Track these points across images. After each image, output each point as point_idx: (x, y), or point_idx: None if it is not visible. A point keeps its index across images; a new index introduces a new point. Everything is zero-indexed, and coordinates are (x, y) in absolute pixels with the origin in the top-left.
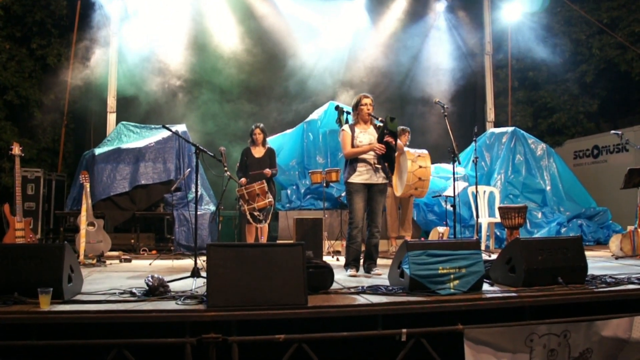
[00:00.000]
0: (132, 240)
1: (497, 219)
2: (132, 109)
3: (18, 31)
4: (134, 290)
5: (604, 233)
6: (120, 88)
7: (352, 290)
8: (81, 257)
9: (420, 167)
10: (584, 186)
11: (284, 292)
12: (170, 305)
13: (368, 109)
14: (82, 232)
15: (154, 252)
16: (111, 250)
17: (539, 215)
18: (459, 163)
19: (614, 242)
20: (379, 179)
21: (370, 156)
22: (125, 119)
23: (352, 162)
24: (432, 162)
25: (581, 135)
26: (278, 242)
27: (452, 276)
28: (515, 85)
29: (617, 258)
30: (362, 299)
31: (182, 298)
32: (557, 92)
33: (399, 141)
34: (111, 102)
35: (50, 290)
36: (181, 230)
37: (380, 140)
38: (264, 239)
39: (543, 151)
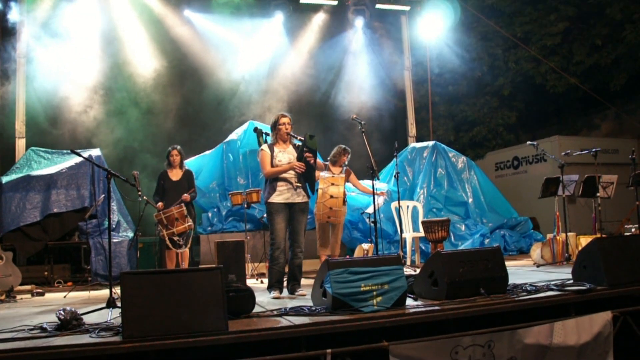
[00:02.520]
0: (46, 273)
1: (422, 233)
2: (43, 133)
3: None
4: (44, 326)
5: (526, 242)
6: (29, 112)
7: (275, 312)
8: None
9: (330, 196)
10: (506, 197)
11: (203, 318)
12: (84, 339)
13: (286, 128)
14: None
15: (69, 283)
16: (23, 284)
17: (463, 227)
18: (379, 179)
19: (535, 250)
20: (299, 197)
21: (290, 175)
22: (35, 144)
23: (272, 181)
24: (359, 178)
25: (502, 147)
26: (200, 267)
27: (374, 293)
28: (435, 100)
29: (538, 266)
30: (285, 321)
31: (97, 330)
32: (476, 106)
33: (319, 160)
34: (19, 127)
35: None
36: (98, 259)
37: (300, 158)
38: (185, 265)
39: (464, 164)
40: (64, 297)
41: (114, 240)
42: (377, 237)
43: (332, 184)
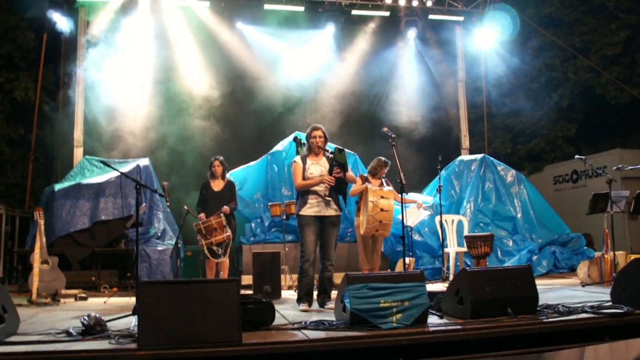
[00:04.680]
0: (93, 278)
1: (466, 248)
2: (99, 142)
3: None
4: (70, 330)
5: (578, 259)
6: (87, 122)
7: (296, 325)
8: (34, 296)
9: (381, 210)
10: (564, 212)
11: (217, 329)
12: (103, 345)
13: (317, 142)
14: (35, 270)
15: (114, 289)
16: (72, 287)
17: (510, 243)
18: (407, 193)
19: (582, 269)
20: (330, 211)
21: (321, 188)
22: (92, 152)
23: (303, 194)
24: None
25: (561, 160)
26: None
27: (394, 309)
28: (492, 111)
29: (584, 285)
30: (301, 335)
31: (117, 337)
32: (534, 118)
33: (350, 173)
34: (77, 136)
35: None
36: (142, 266)
37: (330, 172)
38: (224, 274)
39: (513, 178)
40: (104, 302)
41: (159, 249)
42: (404, 252)
43: (382, 197)
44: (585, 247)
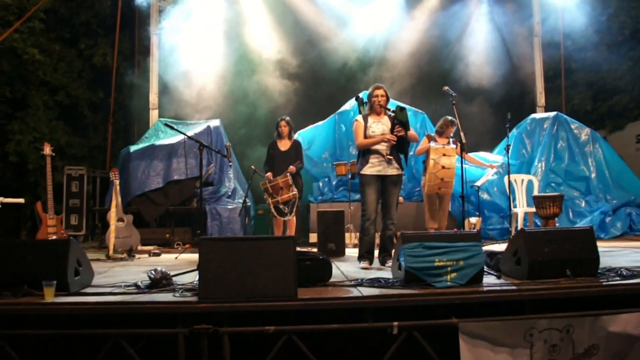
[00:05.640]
0: (168, 235)
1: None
2: (175, 104)
3: (67, 32)
4: (139, 283)
5: None
6: (162, 84)
7: (352, 282)
8: (110, 251)
9: (442, 167)
10: None
11: (274, 284)
12: (168, 297)
13: (379, 100)
14: (112, 227)
15: (187, 245)
16: (148, 244)
17: (582, 203)
18: (467, 152)
19: None
20: (392, 170)
21: (383, 147)
22: (168, 115)
23: (365, 153)
24: (471, 151)
25: None
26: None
27: (449, 269)
28: (572, 67)
29: None
30: (356, 292)
31: (181, 291)
32: (617, 73)
33: (412, 132)
34: (153, 99)
35: (53, 283)
36: (214, 224)
37: (392, 131)
38: (290, 232)
39: (588, 136)
40: (175, 258)
41: (229, 207)
42: (464, 211)
43: (444, 155)
44: None
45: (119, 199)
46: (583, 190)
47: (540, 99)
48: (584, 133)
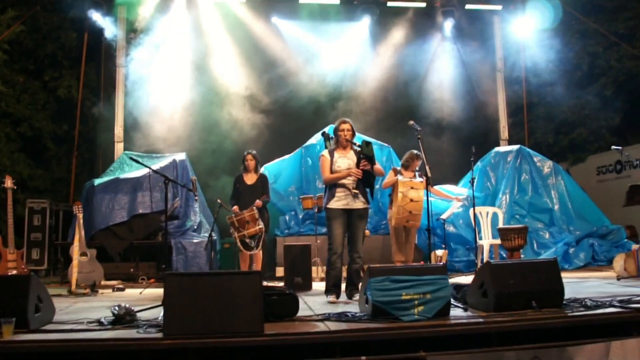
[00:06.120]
0: (132, 269)
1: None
2: (140, 138)
3: (31, 64)
4: (102, 320)
5: (618, 252)
6: (127, 117)
7: (319, 317)
8: (73, 287)
9: (411, 200)
10: (607, 203)
11: (240, 320)
12: (132, 334)
13: (345, 135)
14: (75, 262)
15: (152, 280)
16: (114, 279)
17: (547, 235)
18: (432, 185)
19: (618, 261)
20: (358, 204)
21: (349, 181)
22: (132, 148)
23: (331, 187)
24: (437, 184)
25: (605, 150)
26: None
27: (416, 302)
28: (533, 101)
29: (619, 279)
30: (323, 326)
31: (145, 327)
32: (577, 107)
33: (378, 166)
34: (118, 132)
35: (12, 320)
36: (179, 258)
37: (358, 165)
38: (256, 266)
39: (550, 169)
40: (140, 293)
41: (194, 241)
42: (430, 243)
43: (412, 188)
44: (627, 240)
45: (82, 233)
46: (547, 221)
47: (504, 133)
48: (547, 166)
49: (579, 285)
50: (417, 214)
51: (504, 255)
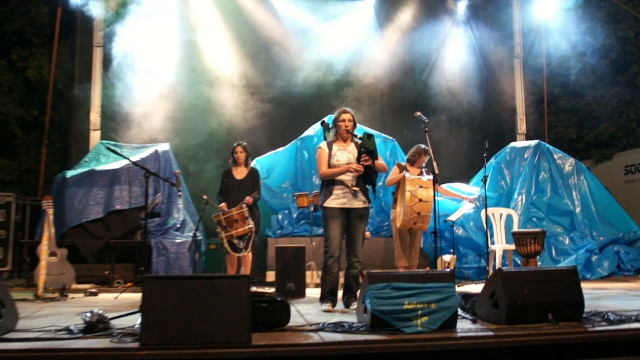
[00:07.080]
0: (107, 272)
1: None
2: (118, 125)
3: None
4: (71, 327)
5: None
6: (105, 102)
7: (313, 327)
8: (40, 290)
9: (420, 200)
10: (636, 205)
11: (225, 329)
12: (104, 343)
13: (346, 126)
14: (42, 263)
15: (129, 284)
16: (84, 282)
17: (567, 240)
18: (439, 183)
19: None
20: (358, 203)
21: (348, 177)
22: (110, 137)
23: (328, 184)
24: (446, 182)
25: (634, 147)
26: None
27: (419, 312)
28: (555, 92)
29: None
30: (317, 337)
31: (119, 336)
32: (604, 99)
33: (381, 161)
34: (94, 119)
35: None
36: (160, 260)
37: (359, 160)
38: (245, 270)
39: (572, 167)
40: (115, 298)
41: (177, 241)
42: (436, 247)
43: (421, 187)
44: None
45: (52, 231)
46: (567, 225)
47: (521, 126)
48: (568, 163)
49: (602, 297)
50: (426, 215)
51: (519, 262)
